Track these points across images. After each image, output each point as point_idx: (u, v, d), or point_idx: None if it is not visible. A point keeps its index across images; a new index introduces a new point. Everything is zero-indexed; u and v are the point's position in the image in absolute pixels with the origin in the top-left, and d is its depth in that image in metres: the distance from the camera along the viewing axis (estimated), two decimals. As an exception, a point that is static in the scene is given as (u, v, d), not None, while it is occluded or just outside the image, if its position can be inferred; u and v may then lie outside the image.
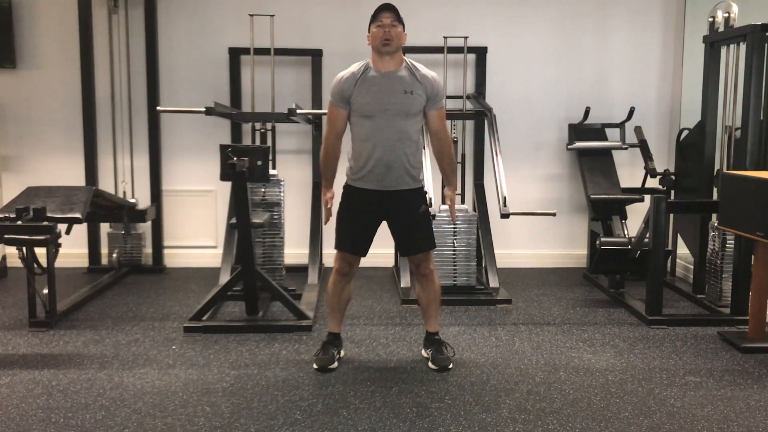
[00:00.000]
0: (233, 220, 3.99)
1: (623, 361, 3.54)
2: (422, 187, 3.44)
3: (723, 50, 4.46)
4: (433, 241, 3.45)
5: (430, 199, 4.18)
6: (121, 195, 5.30)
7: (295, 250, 5.34)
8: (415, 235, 3.39)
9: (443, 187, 3.58)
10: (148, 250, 5.51)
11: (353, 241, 3.39)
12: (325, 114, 5.09)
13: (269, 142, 4.92)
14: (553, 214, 4.71)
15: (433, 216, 4.43)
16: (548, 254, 5.71)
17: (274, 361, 3.50)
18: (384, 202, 3.33)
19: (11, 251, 4.77)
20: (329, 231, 5.37)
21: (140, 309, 4.42)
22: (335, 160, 3.39)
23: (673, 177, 5.00)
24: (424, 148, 4.49)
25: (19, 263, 4.01)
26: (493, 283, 4.77)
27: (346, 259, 3.40)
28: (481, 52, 5.39)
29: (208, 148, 5.30)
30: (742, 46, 4.20)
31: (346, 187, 3.40)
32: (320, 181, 5.33)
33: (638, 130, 5.32)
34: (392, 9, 3.29)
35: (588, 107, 5.27)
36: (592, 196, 5.08)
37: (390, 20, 3.27)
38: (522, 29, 5.52)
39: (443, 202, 3.65)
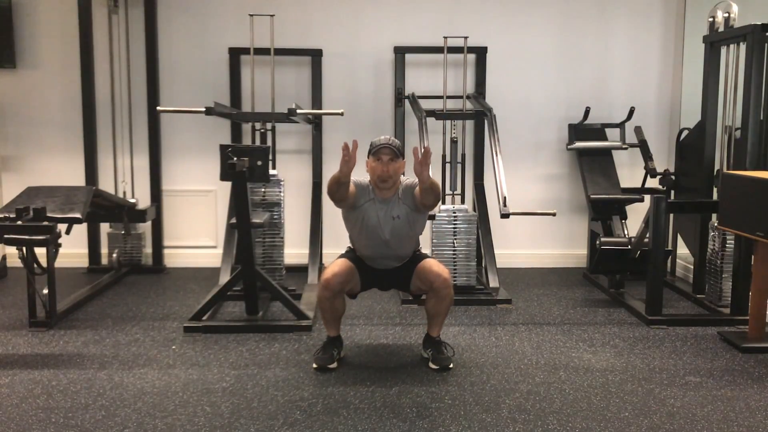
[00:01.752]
0: (233, 220, 3.98)
1: (623, 361, 3.54)
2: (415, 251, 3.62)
3: (723, 50, 4.46)
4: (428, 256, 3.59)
5: (430, 216, 4.23)
6: (121, 195, 5.30)
7: (295, 250, 5.34)
8: (415, 260, 3.51)
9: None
10: (148, 250, 5.51)
11: (356, 259, 3.51)
12: (325, 114, 5.14)
13: (269, 142, 4.91)
14: (553, 214, 4.70)
15: (433, 216, 4.44)
16: (548, 254, 5.72)
17: (274, 361, 3.51)
18: (383, 271, 3.57)
19: (11, 251, 4.77)
20: (329, 231, 5.40)
21: (140, 309, 4.42)
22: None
23: (673, 177, 5.00)
24: (424, 137, 4.54)
25: (19, 263, 4.01)
26: (493, 283, 4.77)
27: (335, 267, 3.40)
28: (481, 52, 5.39)
29: (208, 148, 5.31)
30: (742, 46, 4.20)
31: (351, 248, 3.61)
32: (320, 181, 5.39)
33: (638, 130, 5.32)
34: (391, 147, 3.37)
35: (588, 107, 5.27)
36: (592, 196, 5.08)
37: (388, 158, 3.36)
38: (522, 29, 5.52)
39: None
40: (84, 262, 5.42)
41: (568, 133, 5.45)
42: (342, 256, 3.56)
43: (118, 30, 5.35)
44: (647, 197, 4.84)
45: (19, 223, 3.80)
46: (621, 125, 5.29)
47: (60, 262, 4.15)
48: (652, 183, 5.21)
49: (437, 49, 5.11)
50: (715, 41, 4.48)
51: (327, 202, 5.29)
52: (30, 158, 5.47)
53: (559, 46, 5.55)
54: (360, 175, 3.43)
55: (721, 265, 4.34)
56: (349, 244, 3.64)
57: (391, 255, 3.50)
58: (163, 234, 5.53)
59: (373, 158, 3.39)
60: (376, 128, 5.27)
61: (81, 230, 5.16)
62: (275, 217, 4.56)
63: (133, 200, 5.23)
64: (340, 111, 4.66)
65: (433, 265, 3.43)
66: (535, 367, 3.46)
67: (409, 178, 3.51)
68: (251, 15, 4.94)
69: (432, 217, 4.41)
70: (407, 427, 2.78)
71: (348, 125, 5.33)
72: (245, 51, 5.16)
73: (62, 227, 3.99)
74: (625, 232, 5.00)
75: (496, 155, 4.64)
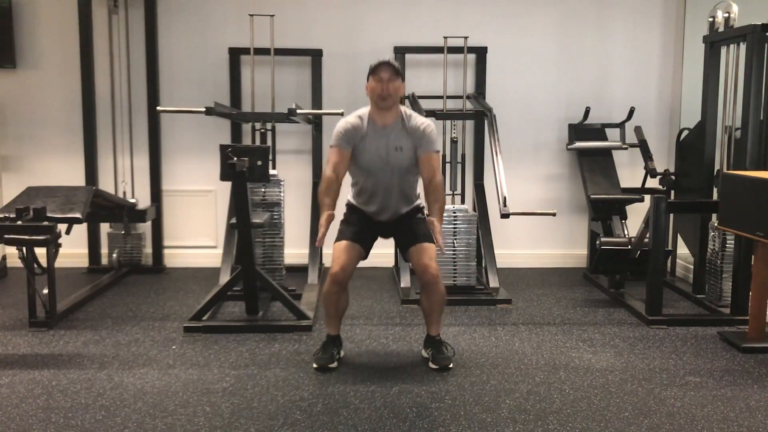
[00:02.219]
0: (233, 220, 3.98)
1: (623, 361, 3.54)
2: (419, 205, 3.58)
3: (723, 50, 4.46)
4: (432, 238, 3.45)
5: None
6: (121, 195, 5.30)
7: (295, 250, 5.34)
8: (415, 230, 3.47)
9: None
10: (148, 250, 5.51)
11: (355, 232, 3.44)
12: (325, 114, 5.14)
13: (269, 142, 4.92)
14: (553, 214, 4.70)
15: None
16: (548, 254, 5.71)
17: (274, 361, 3.50)
18: (384, 222, 3.53)
19: (11, 251, 4.77)
20: (329, 231, 5.38)
21: (140, 309, 4.42)
22: (335, 195, 3.29)
23: (673, 177, 5.00)
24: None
25: (19, 263, 4.01)
26: (493, 283, 4.77)
27: (341, 258, 3.34)
28: (481, 52, 5.39)
29: (208, 148, 5.30)
30: (742, 46, 4.20)
31: (349, 204, 3.57)
32: (320, 181, 5.37)
33: (638, 130, 5.32)
34: (391, 65, 3.36)
35: (588, 107, 5.27)
36: (592, 196, 5.08)
37: (388, 75, 3.34)
38: (522, 29, 5.52)
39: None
40: (84, 262, 5.42)
41: (568, 133, 5.45)
42: (342, 228, 3.46)
43: (118, 30, 5.35)
44: (647, 197, 4.84)
45: (19, 223, 3.80)
46: (621, 125, 5.29)
47: (60, 262, 4.15)
48: (652, 183, 5.21)
49: (437, 49, 5.11)
50: (715, 41, 4.48)
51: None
52: (30, 158, 5.47)
53: (559, 46, 5.55)
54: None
55: (721, 265, 4.34)
56: (349, 197, 3.57)
57: (392, 198, 3.43)
58: (163, 234, 5.53)
59: (372, 78, 3.36)
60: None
61: (81, 230, 5.16)
62: (275, 217, 4.56)
63: (133, 200, 5.23)
64: (340, 111, 4.64)
65: (424, 254, 3.37)
66: (535, 367, 3.46)
67: (417, 117, 3.42)
68: (251, 15, 4.94)
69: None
70: (407, 427, 2.78)
71: (348, 125, 5.33)
72: (245, 51, 5.16)
73: (62, 227, 3.99)
74: (625, 232, 5.00)
75: (496, 155, 4.64)
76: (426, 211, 3.64)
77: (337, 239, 3.44)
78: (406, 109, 3.48)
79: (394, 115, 3.39)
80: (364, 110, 3.46)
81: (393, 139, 3.38)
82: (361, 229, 3.46)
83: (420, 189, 3.54)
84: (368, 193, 3.48)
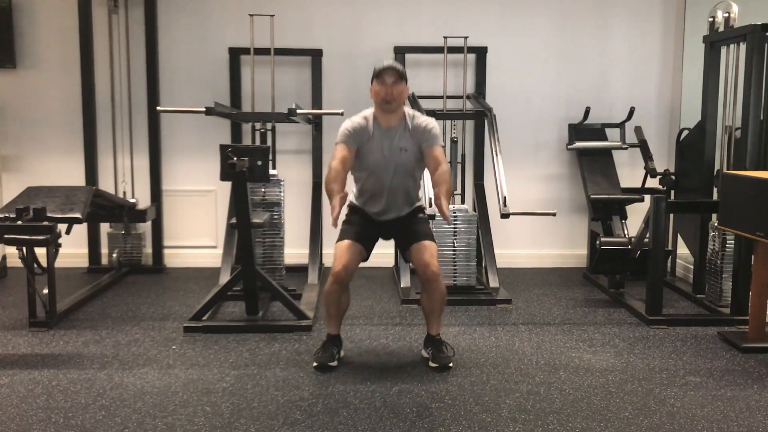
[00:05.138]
0: (233, 220, 3.98)
1: (623, 361, 3.54)
2: (420, 206, 3.61)
3: (723, 50, 4.46)
4: (432, 236, 3.51)
5: (429, 215, 4.24)
6: (121, 195, 5.30)
7: (295, 250, 5.34)
8: (415, 230, 3.49)
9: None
10: (148, 250, 5.51)
11: (357, 233, 3.45)
12: (325, 114, 5.14)
13: (269, 142, 4.92)
14: (553, 214, 4.70)
15: (432, 216, 4.43)
16: (548, 254, 5.71)
17: (274, 361, 3.51)
18: (385, 223, 3.54)
19: (11, 251, 4.77)
20: (329, 231, 5.39)
21: (140, 309, 4.42)
22: (342, 182, 3.26)
23: (673, 177, 5.00)
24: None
25: (19, 263, 4.01)
26: (493, 283, 4.77)
27: (343, 257, 3.34)
28: (481, 52, 5.39)
29: (208, 148, 5.30)
30: (742, 46, 4.20)
31: (351, 205, 3.58)
32: (320, 181, 5.39)
33: (638, 130, 5.33)
34: (395, 69, 3.38)
35: (588, 107, 5.27)
36: (592, 196, 5.08)
37: (392, 80, 3.35)
38: (522, 29, 5.52)
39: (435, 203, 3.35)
40: (84, 262, 5.42)
41: (568, 133, 5.45)
42: (344, 229, 3.48)
43: (118, 30, 5.35)
44: (647, 197, 4.84)
45: (19, 223, 3.80)
46: (621, 125, 5.29)
47: (60, 262, 4.15)
48: (652, 183, 5.21)
49: (437, 49, 5.12)
50: (715, 41, 4.48)
51: (327, 202, 5.31)
52: (30, 158, 5.47)
53: (559, 46, 5.55)
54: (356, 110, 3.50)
55: (721, 265, 4.34)
56: (351, 198, 3.56)
57: (395, 198, 3.46)
58: (163, 234, 5.53)
59: (377, 82, 3.37)
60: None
61: (81, 230, 5.16)
62: (275, 217, 4.56)
63: (133, 200, 5.23)
64: (340, 111, 4.65)
65: (425, 252, 3.37)
66: (535, 367, 3.46)
67: (420, 116, 3.46)
68: (251, 15, 4.94)
69: (432, 217, 4.41)
70: (407, 427, 2.78)
71: (348, 125, 5.33)
72: (245, 51, 5.16)
73: (62, 227, 3.99)
74: (625, 232, 5.00)
75: (496, 155, 4.64)
76: (427, 212, 3.69)
77: (339, 239, 3.45)
78: (409, 109, 3.49)
79: (398, 117, 3.41)
80: (369, 111, 3.47)
81: (398, 140, 3.40)
82: (362, 230, 3.48)
83: (422, 192, 3.61)
84: (371, 193, 3.49)
